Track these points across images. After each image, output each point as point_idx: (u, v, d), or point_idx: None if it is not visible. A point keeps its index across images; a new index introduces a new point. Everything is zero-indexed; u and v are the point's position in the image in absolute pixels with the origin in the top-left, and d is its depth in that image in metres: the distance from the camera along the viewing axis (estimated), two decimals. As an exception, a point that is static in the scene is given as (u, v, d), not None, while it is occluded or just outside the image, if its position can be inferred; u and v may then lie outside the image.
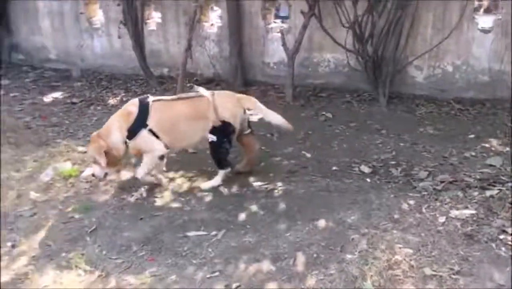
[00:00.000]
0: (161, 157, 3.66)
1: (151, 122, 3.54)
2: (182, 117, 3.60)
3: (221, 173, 3.74)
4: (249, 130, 3.84)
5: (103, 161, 3.51)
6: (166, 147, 3.63)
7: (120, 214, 3.45)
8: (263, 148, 4.40)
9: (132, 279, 2.80)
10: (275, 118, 3.81)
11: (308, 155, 4.28)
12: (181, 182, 3.85)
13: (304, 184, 3.79)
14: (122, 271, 2.88)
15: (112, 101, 5.70)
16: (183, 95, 3.90)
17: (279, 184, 3.79)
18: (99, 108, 5.55)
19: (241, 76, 5.94)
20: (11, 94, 6.02)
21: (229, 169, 3.76)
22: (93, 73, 6.65)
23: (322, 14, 5.32)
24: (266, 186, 3.77)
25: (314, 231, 3.21)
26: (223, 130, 3.58)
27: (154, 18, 6.42)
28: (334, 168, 4.05)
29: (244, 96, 3.88)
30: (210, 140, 3.62)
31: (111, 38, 6.54)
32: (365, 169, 4.01)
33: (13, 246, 3.10)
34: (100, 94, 5.95)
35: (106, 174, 3.65)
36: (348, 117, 5.08)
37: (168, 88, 5.83)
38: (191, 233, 3.22)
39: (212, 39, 6.10)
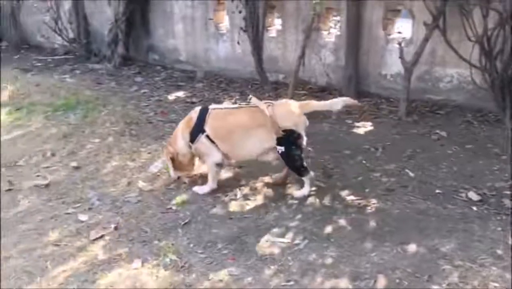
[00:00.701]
0: (218, 165, 3.76)
1: (208, 128, 3.66)
2: (238, 126, 3.64)
3: (307, 180, 3.71)
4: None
5: (171, 166, 3.84)
6: (227, 156, 3.72)
7: (212, 211, 3.60)
8: (363, 162, 4.28)
9: (211, 275, 2.92)
10: (337, 102, 3.72)
11: (411, 174, 4.06)
12: (275, 188, 3.90)
13: (401, 204, 3.61)
14: (204, 266, 3.01)
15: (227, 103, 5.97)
16: (244, 104, 3.90)
17: (373, 201, 3.66)
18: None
19: (355, 87, 5.82)
20: (142, 91, 6.59)
21: (311, 174, 3.71)
22: (214, 75, 7.01)
23: (446, 26, 5.00)
24: (359, 201, 3.66)
25: (402, 255, 3.04)
26: (288, 138, 3.54)
27: (275, 25, 6.57)
28: (437, 191, 3.79)
29: (304, 102, 3.84)
30: (279, 152, 3.61)
31: (234, 43, 6.84)
32: (474, 196, 3.68)
33: (115, 228, 3.41)
34: (217, 95, 6.25)
35: (178, 177, 3.95)
36: (465, 138, 4.71)
37: (281, 94, 5.93)
38: (274, 239, 3.26)
39: (329, 47, 6.07)
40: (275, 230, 3.35)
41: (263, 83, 6.25)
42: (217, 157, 3.72)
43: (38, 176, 4.17)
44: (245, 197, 3.77)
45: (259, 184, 3.95)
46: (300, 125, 3.61)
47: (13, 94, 6.32)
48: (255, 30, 6.03)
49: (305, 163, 3.68)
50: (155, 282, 2.87)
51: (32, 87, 6.63)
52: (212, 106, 3.83)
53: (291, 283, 2.84)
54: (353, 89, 5.82)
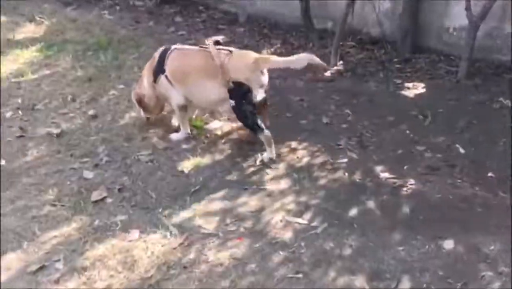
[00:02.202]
0: (182, 108, 3.59)
1: (167, 68, 3.53)
2: (193, 69, 3.46)
3: (264, 140, 3.37)
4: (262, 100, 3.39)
5: (138, 108, 3.76)
6: (187, 100, 3.55)
7: (227, 178, 3.26)
8: (407, 131, 3.74)
9: (211, 256, 2.61)
10: (301, 59, 3.31)
11: (462, 150, 3.51)
12: (301, 156, 3.47)
13: (443, 187, 3.11)
14: (205, 244, 2.70)
15: (265, 51, 5.47)
16: (205, 47, 3.49)
17: (411, 181, 3.18)
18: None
19: (411, 40, 5.13)
20: (179, 32, 6.17)
21: (266, 133, 3.36)
22: (257, 19, 6.45)
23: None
24: (394, 180, 3.19)
25: (435, 253, 2.60)
26: (238, 91, 3.29)
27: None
28: (490, 174, 3.23)
29: (263, 56, 3.55)
30: (231, 105, 3.36)
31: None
32: (534, 184, 3.11)
33: (119, 190, 3.15)
34: (258, 42, 5.74)
35: (148, 118, 3.83)
36: (535, 110, 4.02)
37: (327, 45, 5.35)
38: (290, 218, 2.88)
39: (386, -7, 5.35)
40: (293, 207, 2.97)
41: (308, 31, 5.66)
42: (178, 99, 3.57)
43: (53, 123, 3.94)
44: (266, 165, 3.38)
45: (284, 150, 3.53)
46: (253, 80, 3.30)
47: (49, 30, 6.08)
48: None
49: (259, 120, 3.33)
50: (148, 260, 2.59)
51: (69, 22, 6.35)
52: (174, 46, 3.63)
53: (299, 275, 2.49)
54: (410, 43, 5.14)
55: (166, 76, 3.53)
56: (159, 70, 3.55)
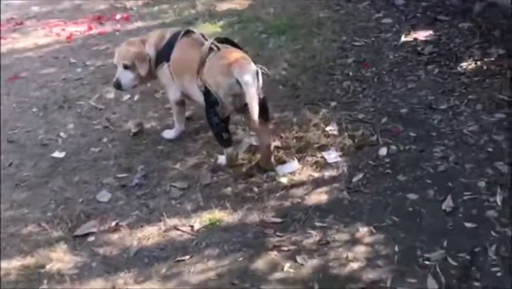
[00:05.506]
0: (179, 103, 3.21)
1: (172, 58, 3.08)
2: (189, 63, 2.94)
3: (225, 153, 2.99)
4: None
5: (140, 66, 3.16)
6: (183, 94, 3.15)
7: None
8: None
9: None
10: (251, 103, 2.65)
11: None
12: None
13: None
14: None
15: (468, 65, 3.82)
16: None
17: None
18: (436, 70, 3.84)
19: None
20: (384, 20, 4.91)
21: (230, 149, 2.96)
22: (497, 14, 4.53)
23: None
24: None
25: None
26: (206, 97, 2.85)
27: None
28: None
29: (244, 61, 2.80)
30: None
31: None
32: None
33: (114, 230, 2.65)
34: (470, 49, 4.07)
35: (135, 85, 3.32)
36: None
37: None
38: None
39: None
40: None
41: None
42: (174, 94, 3.21)
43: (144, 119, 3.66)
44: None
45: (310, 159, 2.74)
46: (222, 88, 2.76)
47: (253, 4, 5.71)
48: None
49: (224, 135, 2.90)
50: None
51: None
52: (183, 31, 3.14)
53: None
54: None
55: (169, 66, 3.09)
56: (164, 56, 3.11)
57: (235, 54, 2.86)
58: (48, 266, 2.44)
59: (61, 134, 3.51)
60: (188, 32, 3.14)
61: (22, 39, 5.27)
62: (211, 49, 2.88)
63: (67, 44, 5.11)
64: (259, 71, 2.83)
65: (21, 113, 3.84)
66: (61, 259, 2.48)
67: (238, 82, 2.71)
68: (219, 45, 2.91)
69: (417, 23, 4.76)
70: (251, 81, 2.70)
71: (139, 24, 5.42)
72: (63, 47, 5.04)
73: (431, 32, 4.51)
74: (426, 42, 4.36)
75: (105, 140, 3.42)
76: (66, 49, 4.98)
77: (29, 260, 2.47)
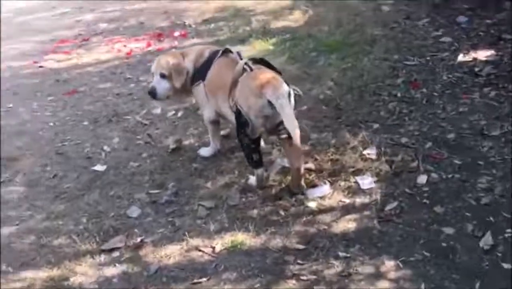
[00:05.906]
0: (213, 122, 3.22)
1: (208, 77, 3.10)
2: (224, 83, 2.94)
3: (255, 173, 2.94)
4: (284, 135, 2.75)
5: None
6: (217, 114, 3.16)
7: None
8: None
9: None
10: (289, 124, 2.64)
11: None
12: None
13: None
14: None
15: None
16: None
17: None
18: (492, 93, 3.58)
19: None
20: (442, 39, 4.66)
21: (260, 170, 2.92)
22: None
23: None
24: None
25: None
26: (237, 117, 2.82)
27: None
28: None
29: (275, 82, 2.73)
30: None
31: None
32: None
33: (137, 247, 2.69)
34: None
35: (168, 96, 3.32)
36: None
37: None
38: None
39: None
40: None
41: None
42: (208, 113, 3.22)
43: (186, 135, 3.71)
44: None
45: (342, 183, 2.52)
46: (253, 109, 2.73)
47: (308, 21, 5.67)
48: None
49: (254, 156, 2.86)
50: None
51: (331, 11, 5.72)
52: (221, 50, 3.14)
53: None
54: None
55: (204, 85, 3.12)
56: (201, 75, 3.14)
57: (267, 74, 2.82)
58: (72, 279, 2.51)
59: (105, 147, 3.63)
60: (226, 51, 3.15)
61: (86, 55, 5.55)
62: (244, 69, 2.87)
63: (126, 60, 5.31)
64: (291, 92, 2.78)
65: (72, 126, 4.02)
66: (85, 273, 2.54)
67: (269, 103, 2.68)
68: (253, 66, 2.89)
69: (478, 42, 4.50)
70: (285, 102, 2.66)
71: (195, 40, 5.54)
72: (122, 63, 5.25)
73: (492, 51, 4.23)
74: (486, 62, 4.09)
75: (144, 155, 3.49)
76: (124, 65, 5.18)
77: (55, 272, 2.55)
